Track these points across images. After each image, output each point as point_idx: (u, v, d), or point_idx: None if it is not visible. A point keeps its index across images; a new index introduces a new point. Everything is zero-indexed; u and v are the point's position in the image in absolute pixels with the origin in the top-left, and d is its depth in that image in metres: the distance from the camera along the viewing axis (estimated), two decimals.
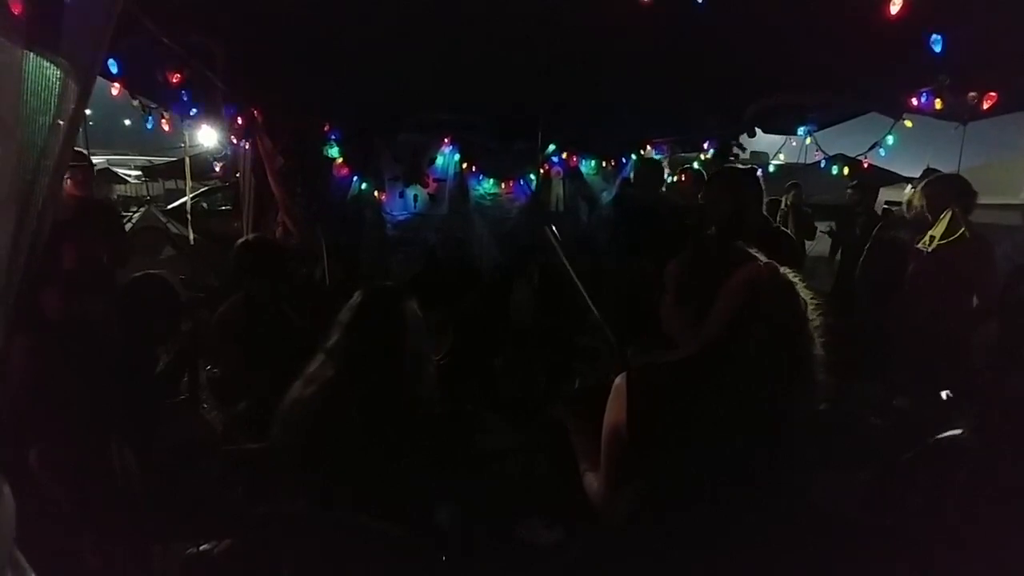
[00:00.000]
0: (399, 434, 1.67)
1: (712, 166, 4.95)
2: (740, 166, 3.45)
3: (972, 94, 3.12)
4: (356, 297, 1.83)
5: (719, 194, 2.70)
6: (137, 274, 2.55)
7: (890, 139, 3.92)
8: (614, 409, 1.30)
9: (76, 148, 3.63)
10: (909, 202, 3.88)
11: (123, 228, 4.30)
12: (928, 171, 4.21)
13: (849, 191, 5.62)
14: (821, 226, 6.45)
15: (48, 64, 0.70)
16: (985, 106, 3.08)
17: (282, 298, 2.83)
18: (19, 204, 0.70)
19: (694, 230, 3.44)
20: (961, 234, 3.00)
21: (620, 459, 1.31)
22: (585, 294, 2.31)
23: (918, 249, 3.20)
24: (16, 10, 0.68)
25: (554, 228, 2.93)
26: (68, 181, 3.39)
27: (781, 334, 1.19)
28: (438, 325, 3.54)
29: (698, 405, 1.22)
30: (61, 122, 0.75)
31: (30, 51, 0.68)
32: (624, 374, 1.31)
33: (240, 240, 2.98)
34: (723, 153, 4.99)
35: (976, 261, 3.00)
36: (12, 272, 0.73)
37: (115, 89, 2.75)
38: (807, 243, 5.81)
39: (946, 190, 3.18)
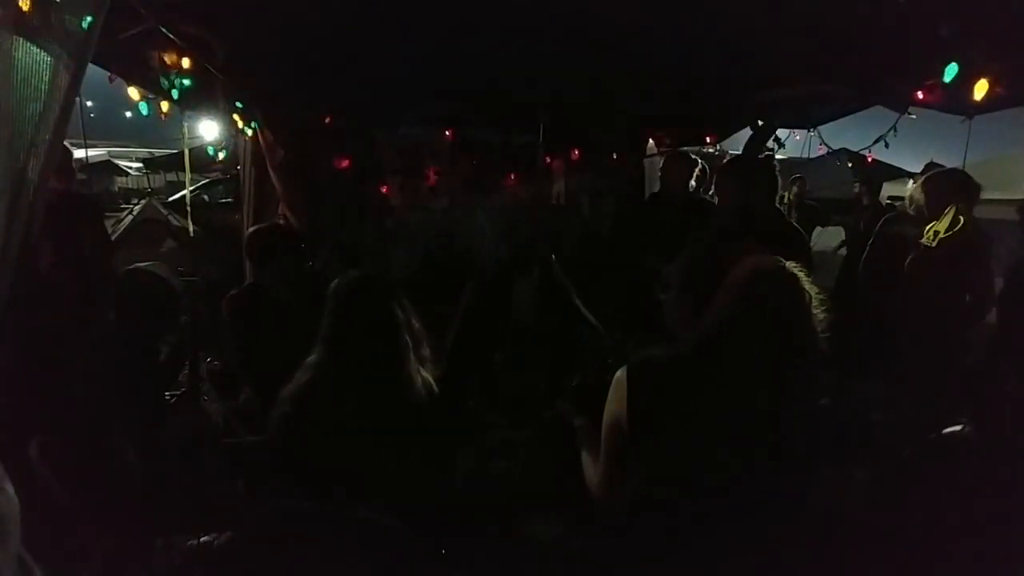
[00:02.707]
0: (396, 428, 1.67)
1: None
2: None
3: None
4: (340, 286, 1.83)
5: (730, 186, 2.55)
6: (127, 268, 2.52)
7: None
8: (614, 402, 1.30)
9: None
10: (911, 197, 3.86)
11: (103, 222, 4.15)
12: (930, 165, 4.17)
13: (855, 187, 5.59)
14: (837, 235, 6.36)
15: (39, 51, 0.68)
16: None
17: (289, 288, 2.82)
18: (11, 193, 0.68)
19: (697, 224, 3.41)
20: (963, 229, 2.98)
21: (620, 452, 1.31)
22: (580, 305, 2.25)
23: (921, 244, 3.18)
24: None
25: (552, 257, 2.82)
26: None
27: (784, 328, 1.18)
28: (438, 319, 3.52)
29: (698, 398, 1.21)
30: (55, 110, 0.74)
31: (20, 37, 0.66)
32: (625, 367, 1.30)
33: (253, 228, 2.95)
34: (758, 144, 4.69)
35: (976, 256, 2.98)
36: (5, 263, 0.71)
37: (111, 78, 2.72)
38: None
39: (947, 185, 3.16)
